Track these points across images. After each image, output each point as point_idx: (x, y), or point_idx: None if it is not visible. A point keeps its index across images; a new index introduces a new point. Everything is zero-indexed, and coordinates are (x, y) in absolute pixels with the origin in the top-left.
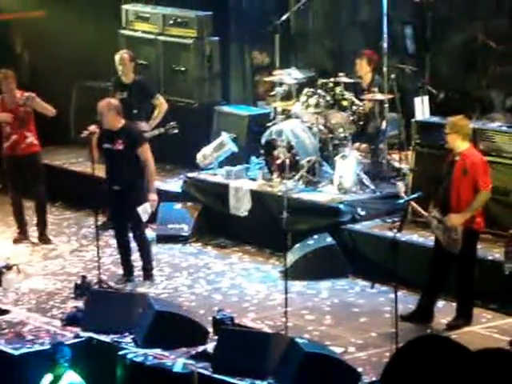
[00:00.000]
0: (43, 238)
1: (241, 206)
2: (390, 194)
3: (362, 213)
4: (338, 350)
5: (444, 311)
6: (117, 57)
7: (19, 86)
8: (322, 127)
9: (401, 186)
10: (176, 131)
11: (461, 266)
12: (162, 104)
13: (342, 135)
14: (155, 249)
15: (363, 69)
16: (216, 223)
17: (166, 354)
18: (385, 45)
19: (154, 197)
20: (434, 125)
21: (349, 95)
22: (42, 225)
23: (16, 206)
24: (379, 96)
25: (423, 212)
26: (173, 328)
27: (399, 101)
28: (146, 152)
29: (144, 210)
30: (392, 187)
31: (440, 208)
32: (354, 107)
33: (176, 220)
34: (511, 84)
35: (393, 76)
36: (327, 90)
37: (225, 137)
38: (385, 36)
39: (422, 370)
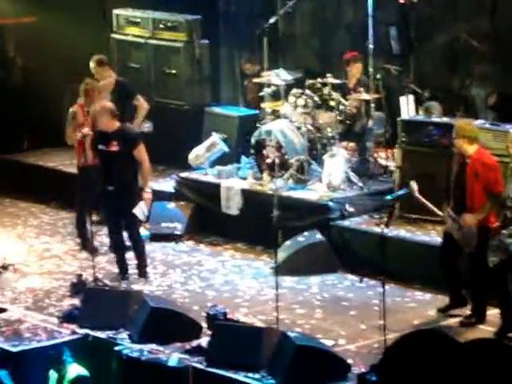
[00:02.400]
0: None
1: (232, 205)
2: (377, 191)
3: (351, 209)
4: (328, 342)
5: (433, 303)
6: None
7: (11, 90)
8: (310, 127)
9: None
10: (148, 130)
11: (474, 264)
12: (141, 105)
13: (330, 134)
14: (149, 247)
15: (359, 71)
16: (208, 222)
17: (161, 349)
18: (371, 46)
19: (148, 195)
20: (419, 123)
21: (336, 95)
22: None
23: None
24: (365, 96)
25: (438, 212)
26: (167, 324)
27: (385, 100)
28: (141, 152)
29: (140, 210)
30: (379, 184)
31: (454, 207)
32: (341, 107)
33: (169, 219)
34: (493, 82)
35: (378, 76)
36: (315, 90)
37: (216, 137)
38: (370, 37)
39: (416, 364)
